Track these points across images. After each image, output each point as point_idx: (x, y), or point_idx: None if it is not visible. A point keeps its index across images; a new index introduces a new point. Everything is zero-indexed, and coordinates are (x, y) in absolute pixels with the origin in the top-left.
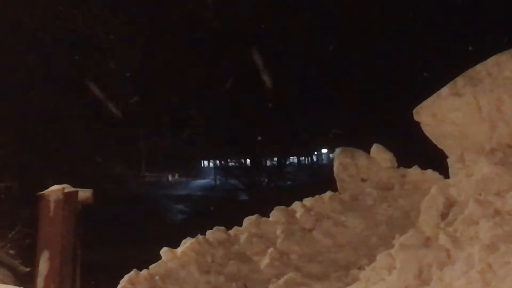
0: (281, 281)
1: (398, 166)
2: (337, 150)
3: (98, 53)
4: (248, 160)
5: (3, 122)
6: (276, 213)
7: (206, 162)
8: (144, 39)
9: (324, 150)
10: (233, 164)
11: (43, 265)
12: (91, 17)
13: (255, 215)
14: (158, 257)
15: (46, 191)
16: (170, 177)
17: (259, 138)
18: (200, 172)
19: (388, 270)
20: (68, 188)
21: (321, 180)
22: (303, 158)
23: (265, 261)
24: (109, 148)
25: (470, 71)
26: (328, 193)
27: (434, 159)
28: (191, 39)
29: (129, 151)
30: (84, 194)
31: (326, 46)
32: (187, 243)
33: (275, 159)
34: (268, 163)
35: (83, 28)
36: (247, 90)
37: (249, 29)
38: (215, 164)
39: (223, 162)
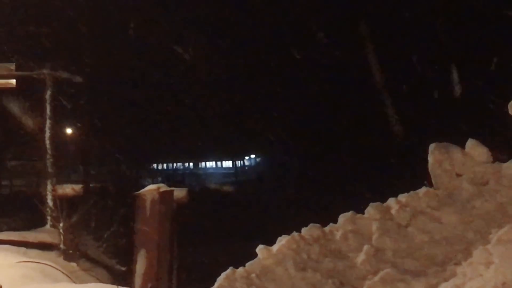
0: (377, 277)
1: (493, 161)
2: (431, 145)
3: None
4: None
5: (97, 124)
6: (371, 210)
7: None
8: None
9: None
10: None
11: (140, 264)
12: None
13: (350, 212)
14: (254, 255)
15: (142, 191)
16: None
17: None
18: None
19: (485, 265)
20: (163, 187)
21: None
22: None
23: (361, 258)
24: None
25: None
26: (423, 189)
27: None
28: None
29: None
30: (180, 193)
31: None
32: (282, 241)
33: None
34: None
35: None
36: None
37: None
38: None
39: None
